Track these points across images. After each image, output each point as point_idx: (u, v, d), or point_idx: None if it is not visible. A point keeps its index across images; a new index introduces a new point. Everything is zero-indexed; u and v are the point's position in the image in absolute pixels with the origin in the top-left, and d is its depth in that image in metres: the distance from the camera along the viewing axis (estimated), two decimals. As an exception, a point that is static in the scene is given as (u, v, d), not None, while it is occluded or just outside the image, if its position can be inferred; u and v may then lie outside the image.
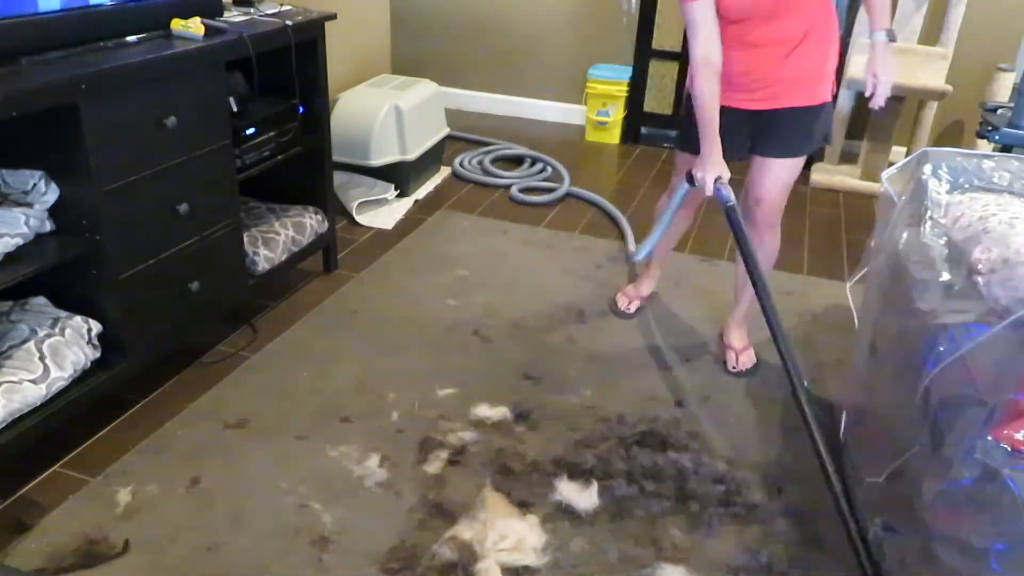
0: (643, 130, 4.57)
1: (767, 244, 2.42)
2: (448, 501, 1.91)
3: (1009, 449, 1.29)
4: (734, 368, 2.50)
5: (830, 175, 4.06)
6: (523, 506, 1.91)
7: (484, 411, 2.22)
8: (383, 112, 3.46)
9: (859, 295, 2.13)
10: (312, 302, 2.75)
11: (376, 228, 3.33)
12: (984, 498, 1.30)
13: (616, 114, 4.45)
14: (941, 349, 1.49)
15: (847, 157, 4.27)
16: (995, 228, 1.63)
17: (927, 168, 1.91)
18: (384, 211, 3.47)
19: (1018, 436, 1.29)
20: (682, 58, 4.29)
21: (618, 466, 2.03)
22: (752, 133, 2.27)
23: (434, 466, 2.02)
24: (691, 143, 2.20)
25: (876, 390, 1.86)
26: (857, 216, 3.72)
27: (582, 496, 1.94)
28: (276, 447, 2.06)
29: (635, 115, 4.51)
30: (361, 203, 3.42)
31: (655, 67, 4.40)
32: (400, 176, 3.57)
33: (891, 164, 3.32)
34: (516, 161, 4.10)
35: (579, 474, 2.00)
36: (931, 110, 4.03)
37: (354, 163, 3.51)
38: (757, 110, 2.22)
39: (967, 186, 1.89)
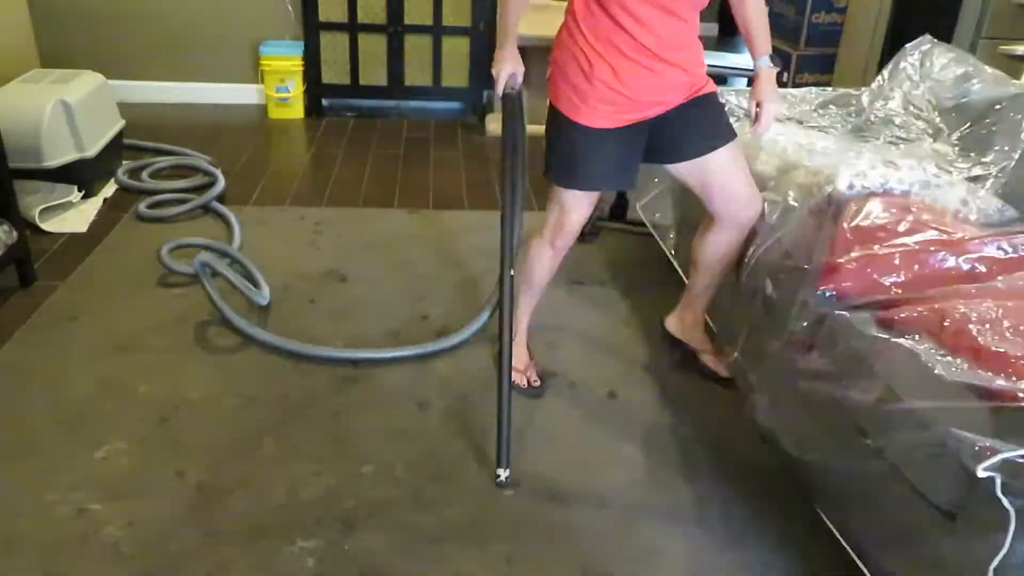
0: (325, 102, 4.64)
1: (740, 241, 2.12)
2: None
3: (835, 295, 1.74)
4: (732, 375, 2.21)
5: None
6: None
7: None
8: (49, 108, 3.19)
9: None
10: (19, 318, 2.51)
11: (69, 233, 3.09)
12: (817, 338, 1.74)
13: (296, 89, 4.46)
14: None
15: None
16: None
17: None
18: (72, 214, 3.22)
19: (842, 285, 1.74)
20: (350, 29, 4.41)
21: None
22: (659, 140, 1.96)
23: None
24: (574, 175, 1.96)
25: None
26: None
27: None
28: (31, 466, 1.92)
29: (315, 88, 4.55)
30: (44, 209, 3.14)
31: (326, 39, 4.46)
32: (82, 175, 3.32)
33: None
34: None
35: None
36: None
37: (26, 167, 3.19)
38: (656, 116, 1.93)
39: None
